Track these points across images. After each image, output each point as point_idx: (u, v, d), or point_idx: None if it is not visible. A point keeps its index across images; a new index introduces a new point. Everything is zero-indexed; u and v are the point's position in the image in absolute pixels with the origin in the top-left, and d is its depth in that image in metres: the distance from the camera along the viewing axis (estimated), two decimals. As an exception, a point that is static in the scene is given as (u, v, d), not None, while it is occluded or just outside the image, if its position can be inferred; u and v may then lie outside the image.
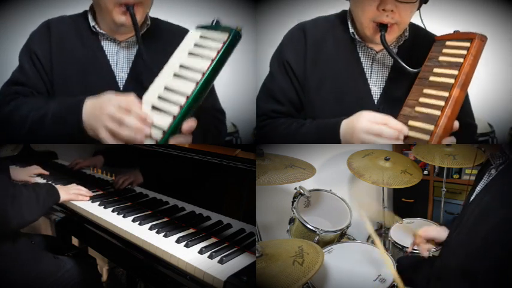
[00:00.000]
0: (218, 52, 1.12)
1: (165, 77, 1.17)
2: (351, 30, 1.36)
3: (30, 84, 1.34)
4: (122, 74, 1.38)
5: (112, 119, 1.06)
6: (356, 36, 1.36)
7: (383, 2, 1.21)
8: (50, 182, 1.64)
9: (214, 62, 1.11)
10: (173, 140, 1.06)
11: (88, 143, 1.15)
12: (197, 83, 1.09)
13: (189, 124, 1.07)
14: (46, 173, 1.76)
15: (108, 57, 1.38)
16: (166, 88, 1.14)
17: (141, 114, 1.07)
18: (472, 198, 1.18)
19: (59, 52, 1.36)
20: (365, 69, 1.37)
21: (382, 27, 1.25)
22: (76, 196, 1.50)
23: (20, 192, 1.25)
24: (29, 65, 1.35)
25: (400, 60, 1.25)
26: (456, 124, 1.11)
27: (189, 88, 1.09)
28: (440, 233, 1.27)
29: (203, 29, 1.23)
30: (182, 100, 1.08)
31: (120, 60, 1.39)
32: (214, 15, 1.27)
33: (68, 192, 1.48)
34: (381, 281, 1.38)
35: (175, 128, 1.06)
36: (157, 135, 1.06)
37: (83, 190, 1.54)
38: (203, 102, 1.10)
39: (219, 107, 1.52)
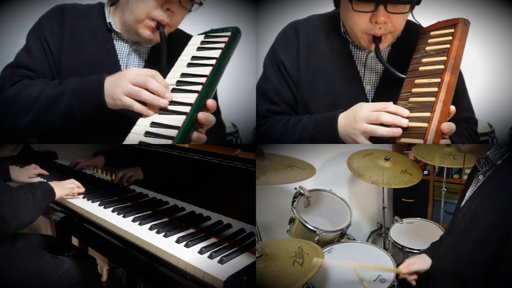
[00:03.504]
0: (226, 43, 1.25)
1: (178, 68, 1.23)
2: (343, 29, 1.35)
3: (37, 69, 1.27)
4: None
5: (134, 83, 1.08)
6: (348, 36, 1.35)
7: (375, 15, 1.19)
8: (44, 180, 1.61)
9: (225, 50, 1.24)
10: (203, 114, 1.08)
11: (99, 142, 1.19)
12: (213, 66, 1.20)
13: (213, 102, 1.11)
14: (45, 172, 1.76)
15: (119, 58, 1.34)
16: (183, 74, 1.20)
17: (164, 81, 1.12)
18: (462, 204, 1.19)
19: (71, 42, 1.30)
20: (358, 68, 1.37)
21: (376, 39, 1.25)
22: (71, 190, 1.50)
23: (17, 194, 1.25)
24: (37, 50, 1.28)
25: (392, 69, 1.25)
26: (453, 109, 1.10)
27: (206, 71, 1.19)
28: (423, 264, 1.25)
29: (204, 33, 1.32)
30: (203, 80, 1.16)
31: (130, 64, 1.36)
32: (214, 15, 1.28)
33: (64, 187, 1.47)
34: (381, 281, 1.38)
35: (201, 102, 1.10)
36: (186, 109, 1.09)
37: (77, 184, 1.53)
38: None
39: (221, 120, 1.54)
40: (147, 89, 1.09)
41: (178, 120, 1.06)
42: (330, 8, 1.38)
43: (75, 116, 1.14)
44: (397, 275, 1.38)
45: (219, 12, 2.00)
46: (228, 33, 1.30)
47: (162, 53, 1.26)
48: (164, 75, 1.19)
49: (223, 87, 1.52)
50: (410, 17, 1.33)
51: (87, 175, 1.76)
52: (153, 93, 1.09)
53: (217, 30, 1.35)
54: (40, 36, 1.29)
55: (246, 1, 2.17)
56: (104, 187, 1.64)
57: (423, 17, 1.35)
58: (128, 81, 1.08)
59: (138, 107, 1.08)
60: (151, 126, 1.07)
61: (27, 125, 1.16)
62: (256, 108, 1.40)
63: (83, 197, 1.53)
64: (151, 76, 1.10)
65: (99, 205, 1.45)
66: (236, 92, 2.03)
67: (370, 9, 1.19)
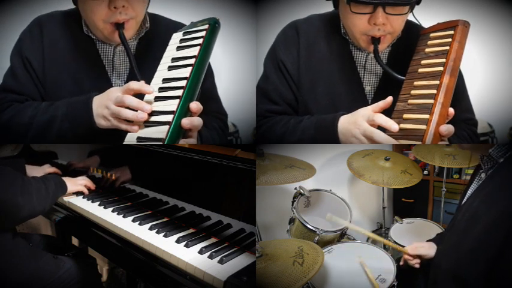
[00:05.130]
0: (204, 38, 1.20)
1: (160, 73, 1.19)
2: (343, 30, 1.35)
3: (24, 91, 1.30)
4: (118, 81, 1.34)
5: (115, 102, 1.07)
6: (348, 37, 1.35)
7: (373, 16, 1.19)
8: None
9: (203, 45, 1.18)
10: (186, 120, 1.04)
11: (97, 142, 1.19)
12: (193, 66, 1.14)
13: (197, 104, 1.07)
14: (59, 172, 1.77)
15: (104, 63, 1.33)
16: (164, 79, 1.16)
17: (140, 86, 1.08)
18: (463, 201, 1.19)
19: (52, 56, 1.30)
20: (358, 69, 1.36)
21: (375, 41, 1.24)
22: (82, 187, 1.53)
23: (29, 182, 1.27)
24: (22, 71, 1.30)
25: (390, 71, 1.25)
26: (451, 111, 1.10)
27: (186, 72, 1.13)
28: (428, 250, 1.27)
29: (183, 30, 1.28)
30: (183, 83, 1.11)
31: (116, 66, 1.34)
32: (213, 16, 1.27)
33: (75, 183, 1.51)
34: (381, 281, 1.38)
35: (183, 107, 1.06)
36: (168, 118, 1.05)
37: (89, 182, 1.57)
38: (209, 107, 1.11)
39: (223, 110, 1.54)
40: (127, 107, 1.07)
41: (162, 132, 1.03)
42: (329, 8, 1.38)
43: (67, 137, 1.17)
44: (397, 274, 1.38)
45: (219, 13, 2.00)
46: (205, 27, 1.24)
47: (129, 54, 1.23)
48: (149, 78, 1.19)
49: (223, 87, 1.53)
50: (411, 17, 1.33)
51: (88, 176, 1.76)
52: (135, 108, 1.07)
53: (195, 24, 1.30)
54: (22, 56, 1.30)
55: (246, 1, 2.17)
56: (104, 187, 1.64)
57: (423, 17, 1.35)
58: (112, 102, 1.08)
59: (123, 126, 1.08)
60: (137, 141, 1.06)
61: (29, 141, 1.21)
62: (257, 108, 1.40)
63: (83, 197, 1.53)
64: (126, 91, 1.08)
65: (99, 205, 1.45)
66: (236, 92, 2.03)
67: (368, 11, 1.19)
